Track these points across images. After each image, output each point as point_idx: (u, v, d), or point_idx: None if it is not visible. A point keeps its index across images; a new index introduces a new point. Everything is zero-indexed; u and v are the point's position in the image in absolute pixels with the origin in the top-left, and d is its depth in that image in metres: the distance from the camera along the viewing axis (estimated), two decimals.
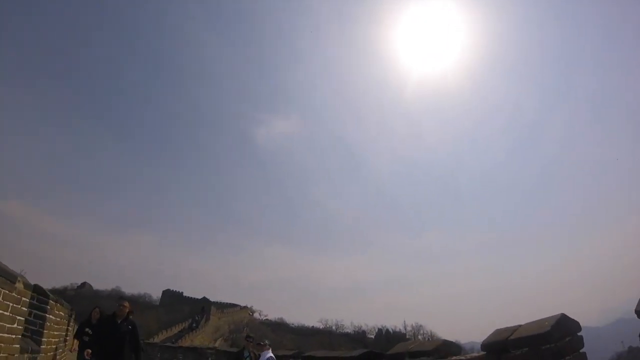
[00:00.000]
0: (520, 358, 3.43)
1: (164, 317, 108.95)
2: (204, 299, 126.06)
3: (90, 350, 8.58)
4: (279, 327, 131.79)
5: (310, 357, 9.01)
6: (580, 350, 3.59)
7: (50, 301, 7.42)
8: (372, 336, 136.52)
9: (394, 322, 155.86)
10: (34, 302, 6.79)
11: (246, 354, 9.88)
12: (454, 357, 4.39)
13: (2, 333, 4.70)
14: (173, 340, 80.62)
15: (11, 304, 4.97)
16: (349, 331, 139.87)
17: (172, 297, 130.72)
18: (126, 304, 8.46)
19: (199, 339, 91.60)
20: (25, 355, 5.92)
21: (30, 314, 6.66)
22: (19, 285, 5.30)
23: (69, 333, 10.46)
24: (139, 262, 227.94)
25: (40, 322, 7.05)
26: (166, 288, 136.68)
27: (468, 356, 4.14)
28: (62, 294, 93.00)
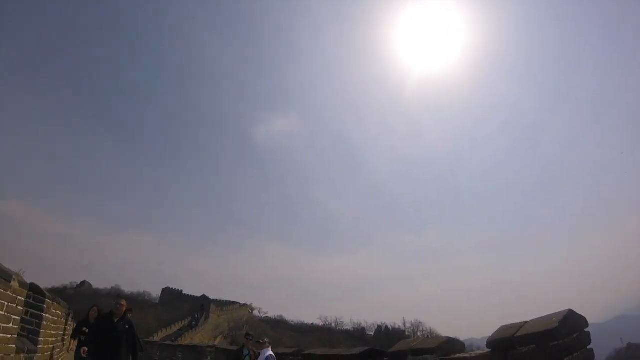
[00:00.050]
0: (527, 355, 3.34)
1: (163, 316, 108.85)
2: (204, 297, 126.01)
3: (86, 348, 8.46)
4: (278, 325, 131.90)
5: (311, 355, 8.91)
6: (588, 347, 3.52)
7: (47, 300, 7.30)
8: (372, 333, 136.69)
9: (393, 319, 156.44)
10: (30, 301, 6.68)
11: (246, 352, 9.79)
12: (458, 355, 4.30)
13: None
14: (173, 338, 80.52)
15: (6, 303, 4.88)
16: (349, 328, 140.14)
17: (171, 295, 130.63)
18: (123, 302, 8.17)
19: (198, 337, 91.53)
20: (22, 356, 5.83)
21: (26, 313, 6.55)
22: (14, 284, 5.21)
23: (66, 332, 10.36)
24: (139, 260, 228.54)
25: (37, 321, 6.93)
26: (166, 286, 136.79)
27: (472, 354, 4.04)
28: (62, 293, 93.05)
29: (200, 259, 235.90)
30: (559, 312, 3.46)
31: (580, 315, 3.55)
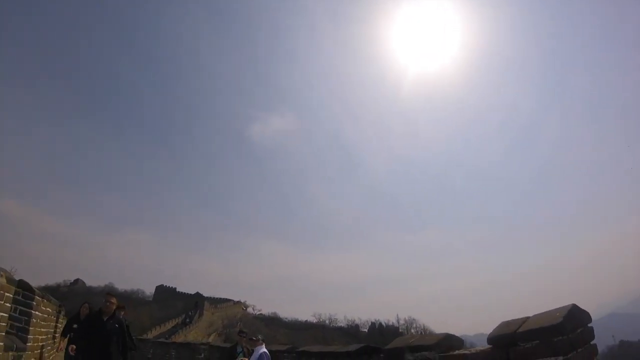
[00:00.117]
0: (530, 351, 3.24)
1: (157, 313, 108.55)
2: (197, 295, 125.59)
3: (74, 346, 8.24)
4: (272, 322, 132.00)
5: (305, 352, 8.81)
6: (591, 342, 3.43)
7: (36, 297, 7.16)
8: (365, 330, 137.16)
9: (387, 316, 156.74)
10: (19, 297, 6.55)
11: (239, 349, 9.66)
12: (457, 351, 4.20)
13: None
14: (167, 336, 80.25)
15: None
16: (343, 325, 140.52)
17: (165, 293, 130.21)
18: (113, 299, 7.71)
19: (192, 335, 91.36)
20: (10, 354, 5.70)
21: (15, 310, 6.42)
22: (2, 280, 5.09)
23: (57, 330, 10.17)
24: (132, 258, 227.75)
25: (26, 318, 6.80)
26: (159, 284, 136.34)
27: (473, 350, 3.94)
28: (55, 291, 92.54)
29: (195, 257, 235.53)
30: (562, 307, 3.37)
31: (584, 310, 3.46)
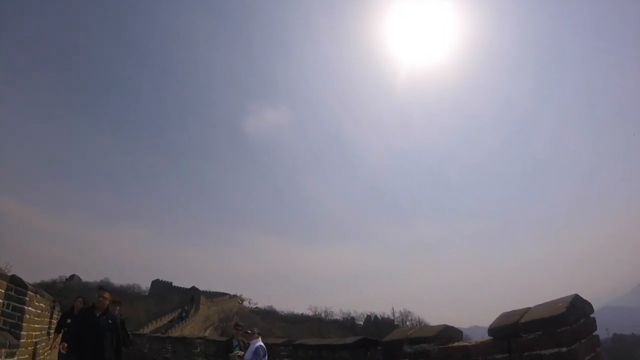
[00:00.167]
0: (533, 342, 3.18)
1: (153, 308, 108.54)
2: (193, 289, 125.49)
3: (65, 344, 8.05)
4: (268, 315, 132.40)
5: (302, 345, 8.77)
6: (594, 333, 3.39)
7: (29, 292, 7.02)
8: (361, 323, 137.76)
9: (382, 309, 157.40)
10: (12, 293, 6.43)
11: (235, 342, 9.62)
12: (457, 343, 4.14)
13: None
14: (163, 330, 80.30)
15: None
16: (338, 318, 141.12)
17: (161, 288, 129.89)
18: (106, 295, 7.48)
19: (189, 329, 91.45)
20: (3, 351, 5.61)
21: (7, 306, 6.31)
22: None
23: (52, 326, 10.06)
24: (128, 253, 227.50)
25: (19, 314, 6.67)
26: (155, 278, 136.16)
27: (473, 341, 3.89)
28: (51, 287, 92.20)
29: (191, 251, 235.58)
30: (564, 298, 3.32)
31: (586, 301, 3.41)
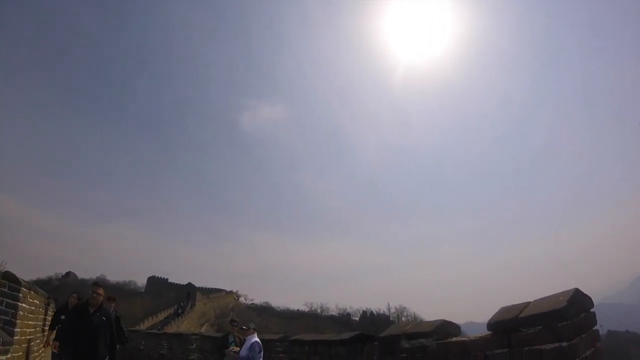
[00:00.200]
0: (533, 337, 3.15)
1: (149, 304, 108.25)
2: (189, 285, 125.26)
3: (57, 343, 7.86)
4: (264, 311, 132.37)
5: (298, 341, 8.74)
6: (594, 328, 3.36)
7: (23, 289, 6.92)
8: (357, 318, 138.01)
9: (378, 304, 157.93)
10: (5, 289, 6.35)
11: (231, 338, 9.56)
12: (455, 338, 4.11)
13: None
14: (159, 327, 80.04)
15: None
16: (334, 314, 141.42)
17: (157, 284, 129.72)
18: (100, 291, 7.21)
19: (185, 325, 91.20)
20: None
21: (1, 302, 6.24)
22: None
23: (46, 323, 9.96)
24: (124, 249, 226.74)
25: (12, 311, 6.58)
26: (151, 275, 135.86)
27: (472, 336, 3.86)
28: (47, 285, 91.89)
29: (187, 247, 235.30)
30: (565, 292, 3.28)
31: (586, 295, 3.38)
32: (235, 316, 76.22)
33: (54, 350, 8.11)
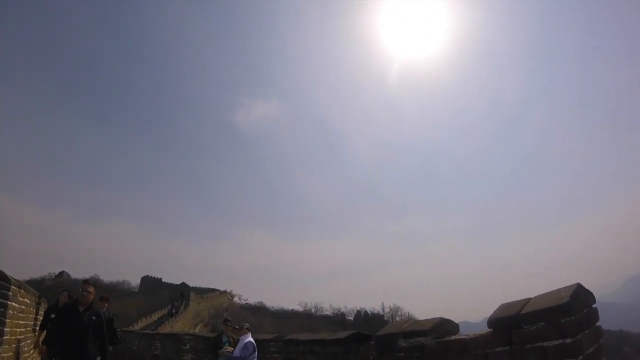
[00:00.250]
0: (536, 333, 3.07)
1: (143, 304, 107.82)
2: (183, 285, 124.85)
3: (45, 347, 7.49)
4: (258, 311, 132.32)
5: (293, 340, 8.64)
6: (596, 324, 3.29)
7: (12, 287, 6.79)
8: (351, 318, 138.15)
9: (372, 304, 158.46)
10: None
11: (225, 338, 9.45)
12: (454, 337, 4.04)
13: None
14: (153, 327, 79.77)
15: None
16: (329, 313, 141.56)
17: (151, 284, 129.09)
18: (90, 289, 6.83)
19: (179, 325, 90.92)
20: None
21: None
22: None
23: (37, 322, 9.79)
24: (118, 249, 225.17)
25: (2, 310, 6.44)
26: (145, 274, 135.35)
27: (471, 334, 3.78)
28: (40, 284, 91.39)
29: (181, 246, 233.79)
30: (567, 287, 3.21)
31: (588, 290, 3.31)
32: (229, 316, 76.05)
33: (40, 355, 7.84)
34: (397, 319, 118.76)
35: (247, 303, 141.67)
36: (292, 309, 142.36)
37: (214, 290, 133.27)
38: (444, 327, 4.22)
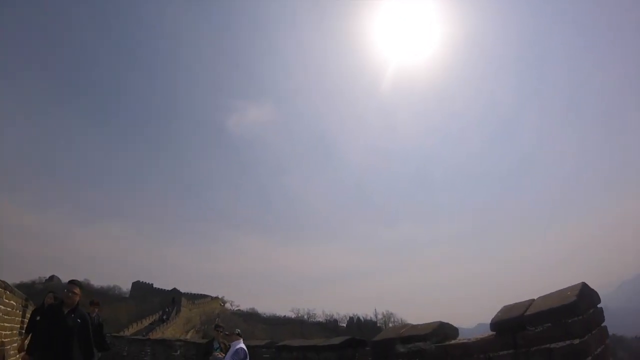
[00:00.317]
0: (541, 335, 2.96)
1: (134, 310, 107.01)
2: (175, 290, 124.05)
3: (28, 356, 6.96)
4: (250, 317, 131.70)
5: (286, 346, 8.47)
6: (602, 325, 3.19)
7: None
8: (344, 325, 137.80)
9: (364, 310, 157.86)
10: None
11: (216, 345, 9.31)
12: (454, 341, 3.91)
13: None
14: (144, 333, 79.02)
15: None
16: (321, 320, 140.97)
17: (142, 289, 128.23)
18: (76, 290, 6.38)
19: (170, 331, 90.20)
20: None
21: None
22: None
23: (23, 326, 9.56)
24: (109, 253, 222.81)
25: None
26: (136, 280, 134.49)
27: (473, 338, 3.65)
28: (31, 288, 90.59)
29: (172, 251, 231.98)
30: (572, 286, 3.12)
31: (593, 290, 3.22)
32: (220, 322, 75.52)
33: None
34: (390, 325, 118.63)
35: (239, 309, 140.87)
36: (285, 316, 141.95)
37: (206, 296, 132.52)
38: (443, 331, 4.09)
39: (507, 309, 3.41)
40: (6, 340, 7.51)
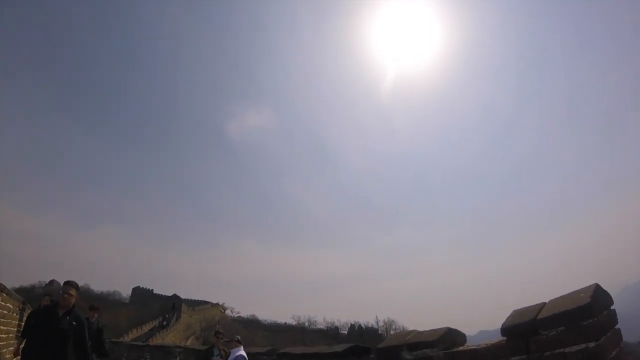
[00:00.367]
0: (555, 339, 2.85)
1: (133, 315, 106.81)
2: (175, 297, 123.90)
3: (19, 358, 6.71)
4: (251, 324, 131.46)
5: (287, 354, 8.31)
6: (615, 327, 3.08)
7: None
8: (345, 332, 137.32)
9: (366, 317, 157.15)
10: None
11: (216, 351, 9.21)
12: (462, 348, 3.78)
13: None
14: (144, 339, 78.81)
15: None
16: (322, 327, 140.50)
17: (142, 295, 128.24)
18: (72, 291, 6.01)
19: (170, 338, 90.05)
20: None
21: None
22: None
23: (20, 329, 9.43)
24: (109, 259, 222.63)
25: None
26: (136, 285, 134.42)
27: (483, 344, 3.52)
28: (30, 292, 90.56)
29: (172, 257, 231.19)
30: (585, 288, 3.01)
31: (606, 291, 3.11)
32: (221, 328, 75.23)
33: None
34: (392, 332, 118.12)
35: (239, 316, 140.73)
36: (285, 323, 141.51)
37: (206, 302, 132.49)
38: (450, 337, 3.97)
39: (518, 313, 3.29)
40: (2, 343, 7.37)
